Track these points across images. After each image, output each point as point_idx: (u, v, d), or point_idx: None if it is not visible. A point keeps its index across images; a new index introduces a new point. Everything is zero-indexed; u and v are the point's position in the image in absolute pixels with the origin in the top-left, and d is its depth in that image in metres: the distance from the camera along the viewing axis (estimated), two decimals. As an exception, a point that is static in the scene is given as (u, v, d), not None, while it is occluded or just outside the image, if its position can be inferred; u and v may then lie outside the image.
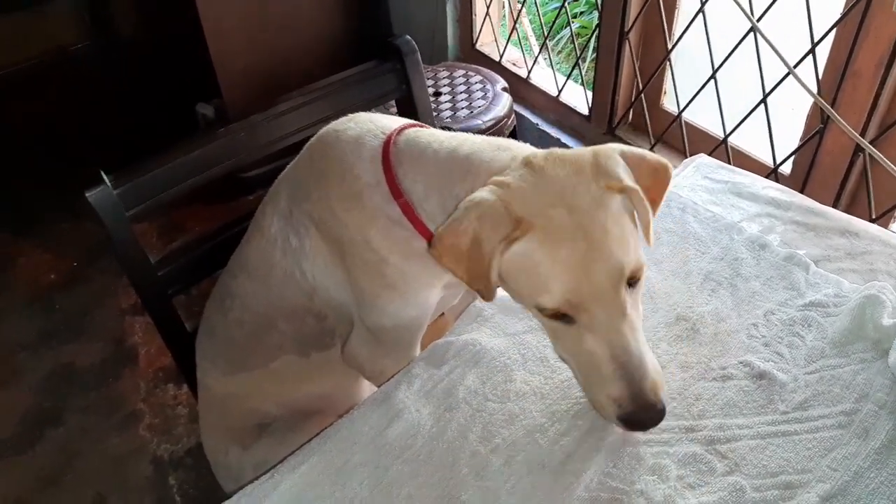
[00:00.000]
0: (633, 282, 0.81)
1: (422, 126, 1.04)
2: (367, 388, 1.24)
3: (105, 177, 1.10)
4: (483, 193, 0.82)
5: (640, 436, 0.88)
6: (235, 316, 1.17)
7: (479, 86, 2.22)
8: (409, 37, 1.33)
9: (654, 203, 0.86)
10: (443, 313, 1.27)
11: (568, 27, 2.34)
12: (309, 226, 1.05)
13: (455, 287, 1.10)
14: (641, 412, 0.79)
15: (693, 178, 1.27)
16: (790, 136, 1.72)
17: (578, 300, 0.78)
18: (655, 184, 0.86)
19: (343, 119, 1.08)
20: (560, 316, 0.81)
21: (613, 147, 0.85)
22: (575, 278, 0.78)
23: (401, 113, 1.47)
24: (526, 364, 0.97)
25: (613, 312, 0.79)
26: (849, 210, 1.61)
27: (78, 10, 3.64)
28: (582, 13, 3.41)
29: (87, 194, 1.08)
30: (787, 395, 0.90)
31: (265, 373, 1.19)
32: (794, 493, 0.81)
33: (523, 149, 0.91)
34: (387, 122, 1.04)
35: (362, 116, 1.07)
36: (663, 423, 0.88)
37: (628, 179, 0.82)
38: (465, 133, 1.00)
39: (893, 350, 0.91)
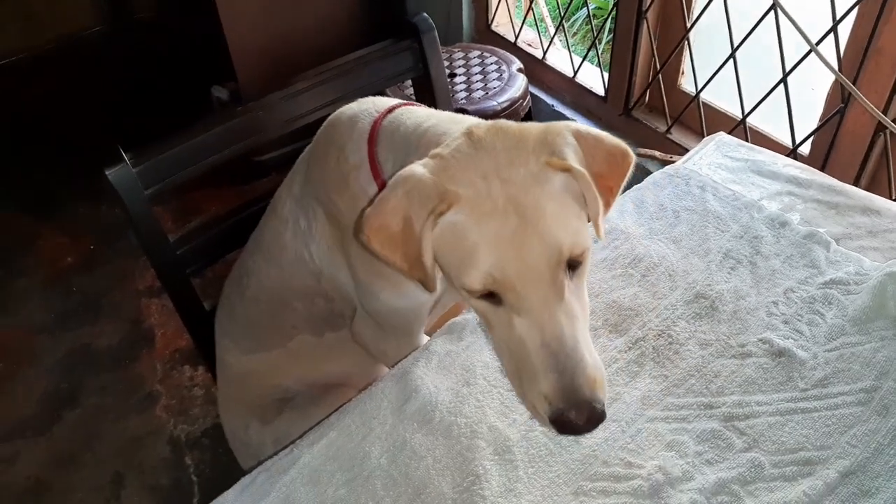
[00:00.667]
0: (574, 265, 0.75)
1: (416, 105, 1.01)
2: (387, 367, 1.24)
3: (124, 155, 1.11)
4: (413, 167, 0.77)
5: (657, 412, 0.88)
6: (252, 294, 1.18)
7: (494, 67, 2.21)
8: (426, 14, 1.32)
9: (611, 191, 0.79)
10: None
11: (584, 8, 2.33)
12: (316, 208, 1.06)
13: None
14: (574, 410, 0.70)
15: (713, 156, 1.26)
16: (809, 116, 1.70)
17: (504, 277, 0.72)
18: (612, 170, 0.79)
19: (353, 102, 1.07)
20: (488, 296, 0.75)
21: (567, 125, 0.79)
22: (502, 253, 0.72)
23: (417, 92, 1.46)
24: (543, 341, 0.97)
25: (548, 295, 0.73)
26: (869, 191, 1.59)
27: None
28: (597, -6, 3.38)
29: (106, 172, 1.09)
30: (806, 372, 0.90)
31: (283, 352, 1.20)
32: (813, 469, 0.81)
33: (479, 122, 0.85)
34: (386, 102, 1.02)
35: (368, 98, 1.05)
36: (681, 400, 0.89)
37: (574, 160, 0.75)
38: (446, 112, 0.97)
39: (915, 327, 0.90)
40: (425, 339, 1.11)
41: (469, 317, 1.02)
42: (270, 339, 1.19)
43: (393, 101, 1.01)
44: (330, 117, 1.07)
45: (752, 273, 1.03)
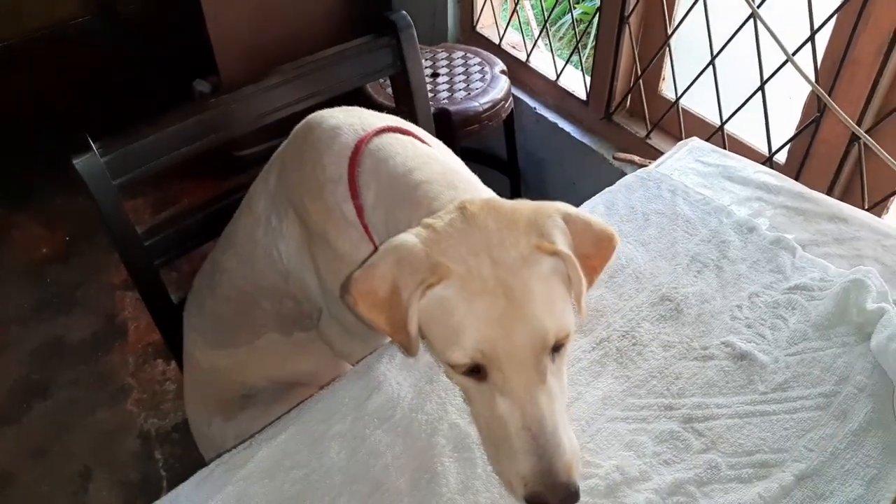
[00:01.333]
0: (557, 347, 0.76)
1: (405, 132, 1.00)
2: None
3: (92, 144, 1.09)
4: (406, 236, 0.77)
5: (618, 412, 0.88)
6: (223, 292, 1.17)
7: (477, 68, 2.21)
8: (405, 12, 1.32)
9: (594, 272, 0.81)
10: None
11: (569, 13, 2.34)
12: (288, 207, 1.05)
13: None
14: (550, 494, 0.71)
15: (685, 160, 1.27)
16: (787, 124, 1.71)
17: (492, 354, 0.73)
18: (598, 253, 0.81)
19: (336, 108, 1.05)
20: (472, 372, 0.76)
21: (558, 208, 0.80)
22: (490, 333, 0.73)
23: (395, 89, 1.46)
24: (508, 340, 0.97)
25: (531, 378, 0.74)
26: (842, 200, 1.60)
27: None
28: (585, -1, 3.40)
29: (73, 161, 1.08)
30: (767, 375, 0.90)
31: (251, 349, 1.19)
32: (769, 471, 0.81)
33: (473, 192, 0.87)
34: (373, 120, 1.01)
35: (353, 110, 1.04)
36: (642, 401, 0.89)
37: (563, 244, 0.77)
38: (434, 153, 0.96)
39: (875, 334, 0.91)
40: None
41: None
42: (238, 335, 1.19)
43: (379, 122, 1.00)
44: (310, 118, 1.05)
45: (718, 277, 1.04)
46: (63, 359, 2.18)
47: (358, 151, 0.95)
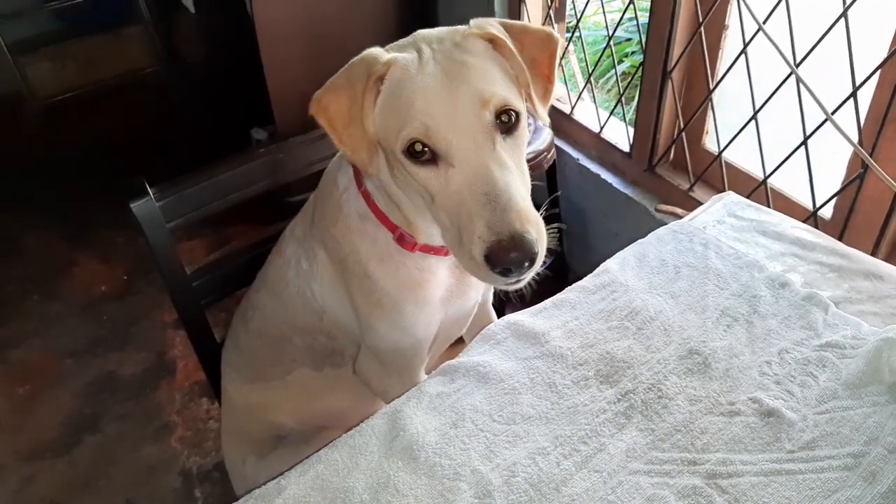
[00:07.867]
0: (507, 122, 0.84)
1: None
2: (382, 407, 1.26)
3: (149, 189, 1.17)
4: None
5: (641, 465, 0.88)
6: (255, 327, 1.22)
7: (521, 120, 2.25)
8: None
9: (548, 79, 0.91)
10: (461, 339, 1.30)
11: (618, 66, 2.38)
12: (318, 249, 1.11)
13: (456, 305, 1.12)
14: (506, 241, 0.77)
15: (719, 214, 1.27)
16: (835, 178, 1.70)
17: (436, 124, 0.81)
18: (542, 53, 0.90)
19: None
20: (428, 161, 0.83)
21: (494, 19, 0.91)
22: (433, 101, 0.81)
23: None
24: (534, 388, 0.98)
25: (477, 141, 0.81)
26: (888, 258, 1.57)
27: (151, 37, 3.87)
28: (633, 52, 3.43)
29: (131, 204, 1.15)
30: (794, 433, 0.89)
31: (282, 384, 1.23)
32: (793, 532, 0.80)
33: None
34: None
35: None
36: (665, 455, 0.89)
37: (496, 31, 0.88)
38: None
39: (908, 394, 0.89)
40: (426, 377, 1.13)
41: (463, 360, 1.03)
42: (270, 370, 1.23)
43: None
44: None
45: (747, 332, 1.03)
46: (114, 394, 2.25)
47: None
